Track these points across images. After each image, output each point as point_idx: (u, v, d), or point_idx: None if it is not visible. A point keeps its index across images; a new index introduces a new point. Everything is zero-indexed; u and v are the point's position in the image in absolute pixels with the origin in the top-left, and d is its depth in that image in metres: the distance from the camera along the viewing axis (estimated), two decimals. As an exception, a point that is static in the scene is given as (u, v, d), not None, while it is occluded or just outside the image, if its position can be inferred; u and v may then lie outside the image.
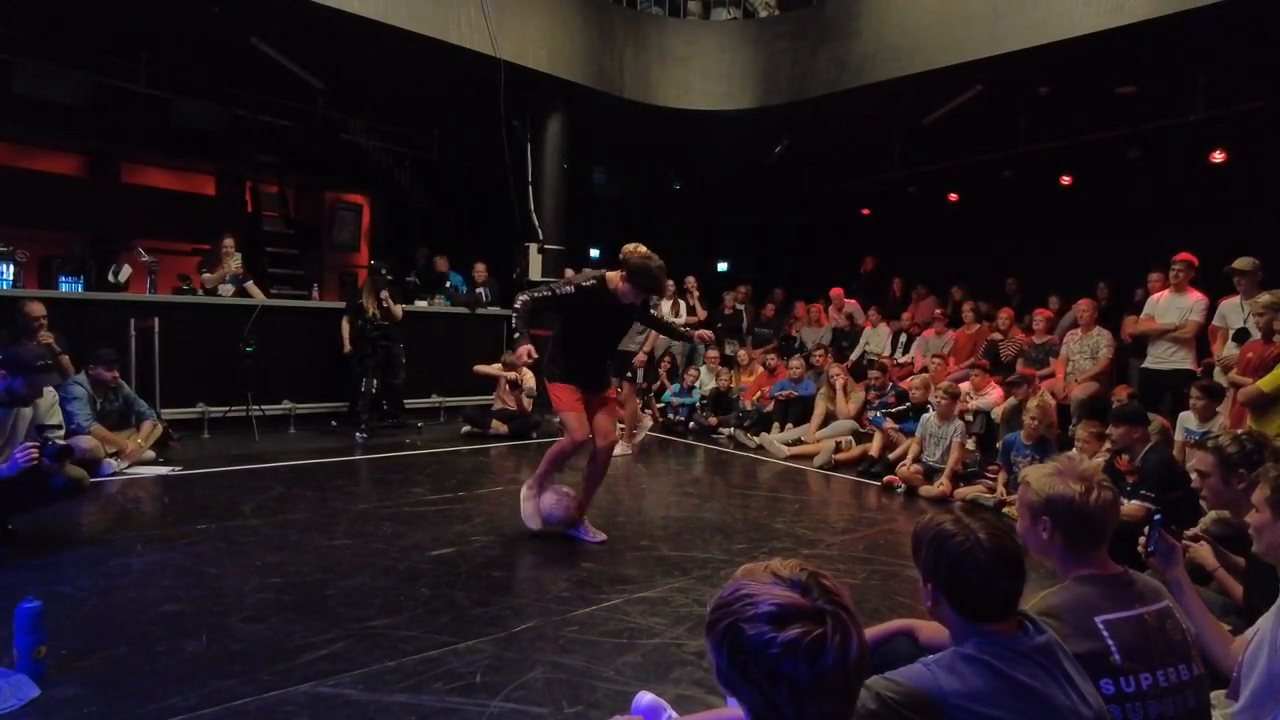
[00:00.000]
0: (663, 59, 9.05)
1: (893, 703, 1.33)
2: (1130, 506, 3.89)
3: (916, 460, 5.98)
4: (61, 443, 3.71)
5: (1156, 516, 2.24)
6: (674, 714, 2.03)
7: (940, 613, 1.52)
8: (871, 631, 2.01)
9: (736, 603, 1.06)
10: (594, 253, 13.32)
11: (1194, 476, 2.96)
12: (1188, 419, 5.13)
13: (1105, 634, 1.67)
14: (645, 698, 2.15)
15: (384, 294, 7.25)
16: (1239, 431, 3.27)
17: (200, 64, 8.24)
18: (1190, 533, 3.07)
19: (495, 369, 7.73)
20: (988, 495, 5.49)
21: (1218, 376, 5.40)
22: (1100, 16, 6.29)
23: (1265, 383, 4.31)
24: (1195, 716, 1.68)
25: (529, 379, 7.69)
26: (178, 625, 2.93)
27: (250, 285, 7.52)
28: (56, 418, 3.92)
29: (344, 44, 7.40)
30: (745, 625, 1.03)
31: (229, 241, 7.43)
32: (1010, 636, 1.44)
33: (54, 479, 3.69)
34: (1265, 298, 4.74)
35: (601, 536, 4.25)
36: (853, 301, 9.72)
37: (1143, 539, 2.19)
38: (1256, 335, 4.95)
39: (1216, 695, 1.88)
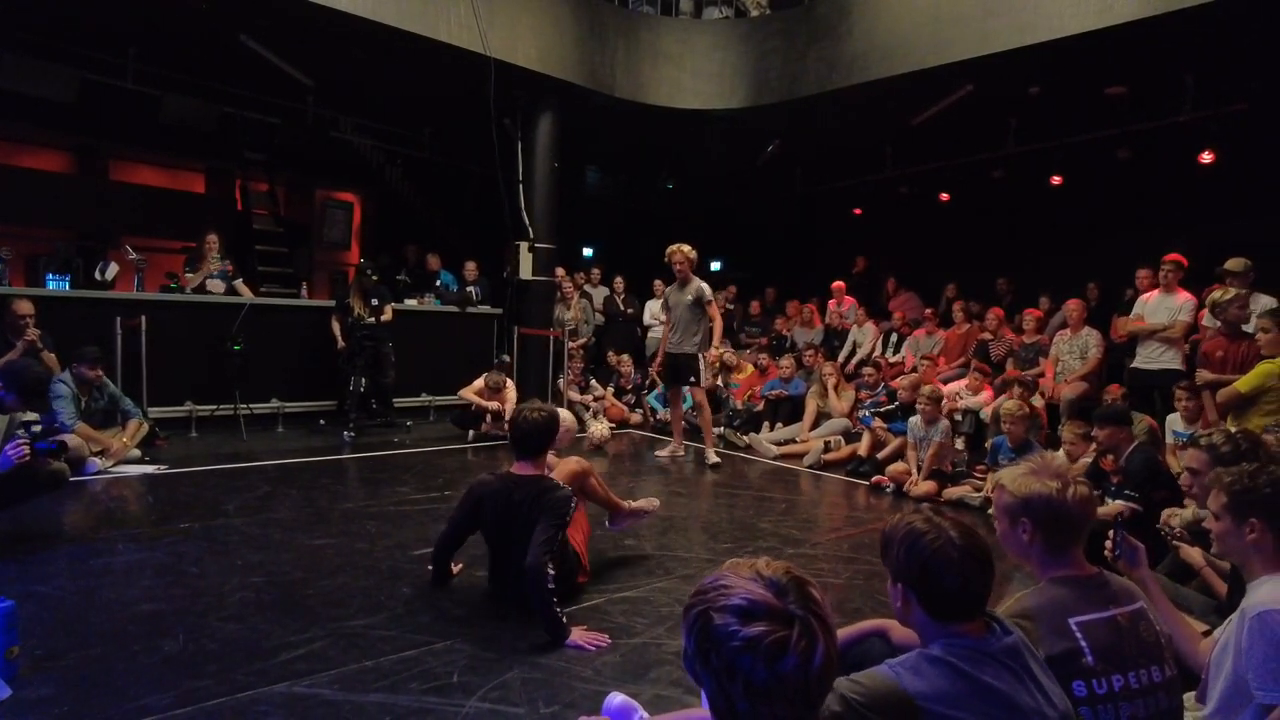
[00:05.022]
0: (654, 58, 9.03)
1: (856, 704, 1.32)
2: (1114, 506, 3.90)
3: (901, 458, 5.99)
4: (56, 439, 3.72)
5: (1119, 520, 2.29)
6: (645, 714, 2.02)
7: (909, 612, 1.51)
8: (844, 631, 2.00)
9: (712, 590, 1.08)
10: (586, 252, 13.28)
11: (1185, 474, 2.97)
12: (1175, 421, 5.15)
13: (1079, 635, 1.66)
14: (616, 699, 2.14)
15: (374, 301, 7.27)
16: (1234, 430, 3.28)
17: (189, 60, 8.17)
18: (1179, 530, 3.07)
19: (475, 398, 7.25)
20: (974, 495, 5.50)
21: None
22: (1089, 17, 6.30)
23: (1243, 384, 4.33)
24: (1167, 718, 1.68)
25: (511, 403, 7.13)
26: (156, 625, 2.91)
27: (239, 284, 7.49)
28: (32, 414, 3.92)
29: (333, 41, 7.35)
30: (715, 614, 1.04)
31: (212, 239, 7.37)
32: (978, 638, 1.44)
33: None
34: (1216, 295, 4.90)
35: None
36: (851, 300, 9.73)
37: (1109, 543, 2.21)
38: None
39: (1188, 698, 1.88)
